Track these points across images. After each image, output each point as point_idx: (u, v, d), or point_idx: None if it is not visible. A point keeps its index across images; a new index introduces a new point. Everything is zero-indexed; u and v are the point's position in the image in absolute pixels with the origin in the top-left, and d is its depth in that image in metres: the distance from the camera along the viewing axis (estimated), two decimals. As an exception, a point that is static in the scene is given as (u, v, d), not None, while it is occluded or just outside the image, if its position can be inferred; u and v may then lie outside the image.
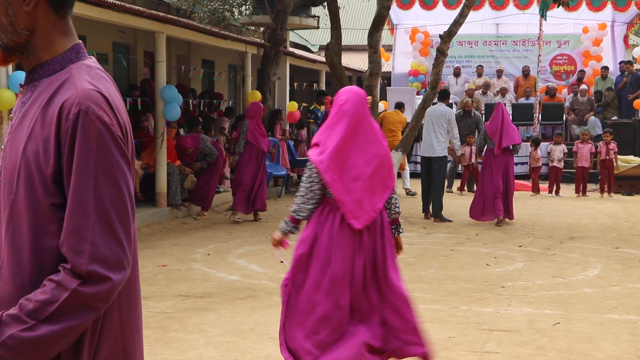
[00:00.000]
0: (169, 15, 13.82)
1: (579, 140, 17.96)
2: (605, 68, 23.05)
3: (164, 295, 7.80)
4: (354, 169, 4.98)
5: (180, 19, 14.45)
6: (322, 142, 5.02)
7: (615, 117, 21.36)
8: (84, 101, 1.94)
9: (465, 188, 17.81)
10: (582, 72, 23.52)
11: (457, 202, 15.89)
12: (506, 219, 13.02)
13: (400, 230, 5.27)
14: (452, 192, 17.56)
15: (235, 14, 19.41)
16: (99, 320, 2.02)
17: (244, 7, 19.42)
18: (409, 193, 16.94)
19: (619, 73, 22.79)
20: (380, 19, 13.99)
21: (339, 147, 4.95)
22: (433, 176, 13.36)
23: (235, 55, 19.18)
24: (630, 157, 18.44)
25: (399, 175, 17.10)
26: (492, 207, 12.72)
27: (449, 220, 13.22)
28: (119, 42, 16.09)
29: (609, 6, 23.30)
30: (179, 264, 9.38)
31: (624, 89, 21.88)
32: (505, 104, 21.91)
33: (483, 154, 13.15)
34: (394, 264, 5.09)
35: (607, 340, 6.37)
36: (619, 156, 17.84)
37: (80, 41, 2.13)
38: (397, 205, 5.21)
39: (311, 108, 17.73)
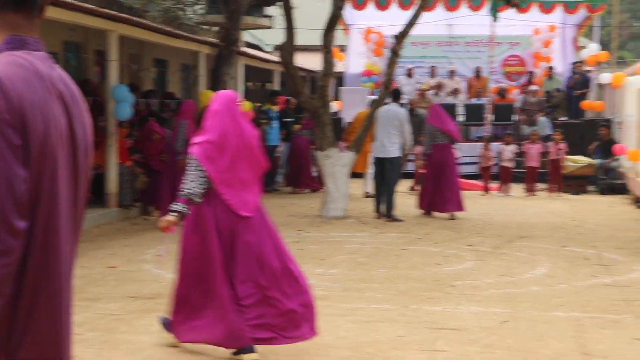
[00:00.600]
0: (120, 14, 13.71)
1: (528, 141, 18.18)
2: (551, 68, 23.37)
3: (112, 296, 7.75)
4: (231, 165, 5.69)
5: (133, 17, 14.34)
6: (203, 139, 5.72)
7: (564, 118, 21.70)
8: None
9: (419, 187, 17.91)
10: (532, 73, 23.82)
11: (408, 201, 16.00)
12: (455, 213, 13.44)
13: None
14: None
15: (189, 13, 19.31)
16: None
17: (197, 6, 19.33)
18: (369, 196, 16.70)
19: (570, 74, 23.15)
20: (334, 19, 14.04)
21: (216, 142, 5.66)
22: (386, 176, 13.43)
23: (189, 55, 19.10)
24: (579, 157, 18.73)
25: (361, 175, 17.16)
26: (441, 200, 13.35)
27: (401, 220, 13.30)
28: (69, 41, 15.92)
29: (559, 8, 23.62)
30: (129, 265, 9.32)
31: (573, 88, 22.25)
32: (457, 104, 22.23)
33: (427, 151, 14.02)
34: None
35: (553, 337, 6.48)
36: (567, 156, 18.11)
37: (24, 36, 2.08)
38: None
39: (264, 108, 17.73)
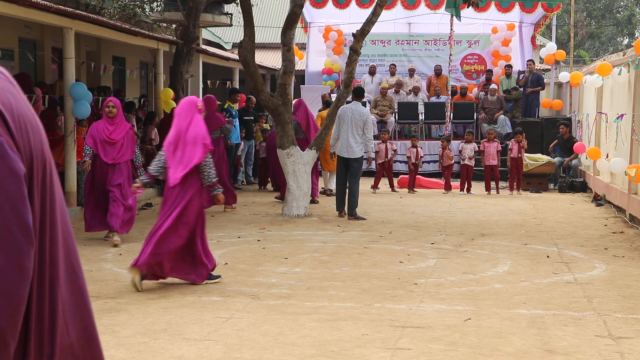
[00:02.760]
0: (77, 11, 13.52)
1: (485, 139, 18.28)
2: (509, 67, 23.57)
3: (72, 297, 7.59)
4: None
5: (89, 14, 14.15)
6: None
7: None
8: None
9: (379, 186, 17.95)
10: (490, 71, 23.99)
11: (370, 200, 16.01)
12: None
13: (218, 191, 8.21)
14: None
15: (147, 10, 19.13)
16: None
17: (155, 4, 19.15)
18: (331, 194, 16.63)
19: (523, 73, 23.37)
20: (294, 17, 13.97)
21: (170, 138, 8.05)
22: (350, 175, 13.41)
23: (147, 53, 18.92)
24: (538, 155, 18.89)
25: (320, 174, 17.12)
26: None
27: (363, 219, 13.29)
28: (25, 38, 15.68)
29: (517, 7, 23.82)
30: (90, 265, 9.18)
31: (525, 86, 22.46)
32: (418, 102, 22.31)
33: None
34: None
35: (515, 334, 6.49)
36: (527, 154, 18.25)
37: None
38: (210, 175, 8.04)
39: (225, 107, 17.61)
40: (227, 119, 15.53)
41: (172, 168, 7.91)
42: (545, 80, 23.69)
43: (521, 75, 23.33)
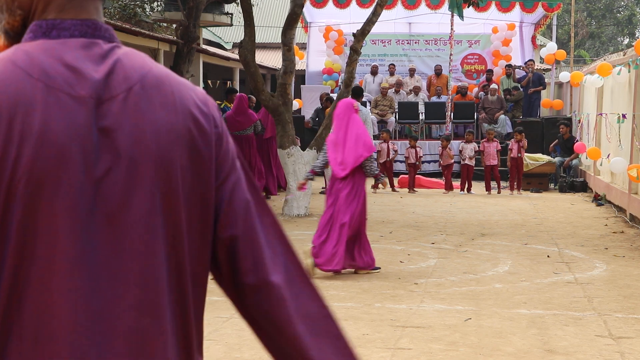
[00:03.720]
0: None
1: (484, 139, 18.26)
2: (510, 66, 23.58)
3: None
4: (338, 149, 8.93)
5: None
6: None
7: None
8: None
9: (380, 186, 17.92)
10: (491, 71, 23.96)
11: (371, 200, 15.98)
12: None
13: (383, 179, 9.90)
14: None
15: (147, 10, 19.13)
16: None
17: (155, 4, 19.16)
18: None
19: (524, 73, 23.38)
20: (294, 17, 13.96)
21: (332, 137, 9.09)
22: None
23: (147, 52, 18.90)
24: (539, 155, 18.87)
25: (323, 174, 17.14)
26: None
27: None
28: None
29: (517, 7, 23.81)
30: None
31: (527, 87, 22.48)
32: (418, 102, 22.31)
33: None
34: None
35: (515, 334, 6.49)
36: (527, 154, 18.24)
37: (57, 19, 1.51)
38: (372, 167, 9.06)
39: (222, 106, 17.62)
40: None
41: (336, 164, 8.88)
42: (545, 80, 23.69)
43: (516, 70, 23.36)
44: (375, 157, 16.08)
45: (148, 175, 1.46)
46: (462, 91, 22.80)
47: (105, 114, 1.44)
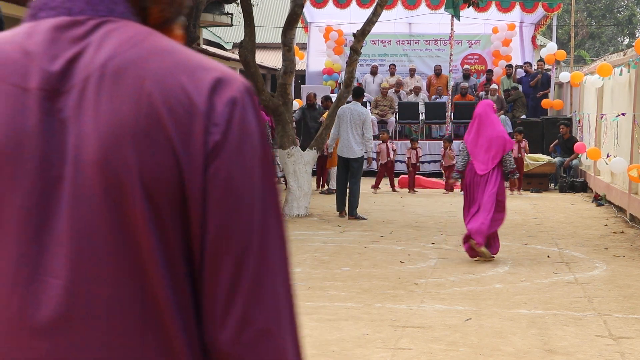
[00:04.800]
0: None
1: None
2: (510, 66, 23.58)
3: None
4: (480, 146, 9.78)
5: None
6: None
7: (523, 116, 21.88)
8: None
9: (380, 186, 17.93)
10: (491, 71, 23.96)
11: (371, 200, 15.99)
12: None
13: (514, 177, 11.69)
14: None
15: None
16: None
17: (156, 4, 19.16)
18: (330, 192, 16.78)
19: (524, 73, 23.38)
20: (294, 17, 13.97)
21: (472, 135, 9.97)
22: (350, 175, 13.41)
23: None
24: (539, 155, 18.87)
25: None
26: None
27: (364, 218, 13.29)
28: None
29: (517, 7, 23.81)
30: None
31: (536, 87, 22.49)
32: (418, 102, 22.31)
33: None
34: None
35: (516, 334, 6.49)
36: (528, 154, 18.24)
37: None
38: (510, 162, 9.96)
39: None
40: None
41: (478, 162, 9.65)
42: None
43: (517, 70, 23.37)
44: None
45: (95, 183, 1.18)
46: (462, 91, 22.80)
47: (61, 108, 1.21)
